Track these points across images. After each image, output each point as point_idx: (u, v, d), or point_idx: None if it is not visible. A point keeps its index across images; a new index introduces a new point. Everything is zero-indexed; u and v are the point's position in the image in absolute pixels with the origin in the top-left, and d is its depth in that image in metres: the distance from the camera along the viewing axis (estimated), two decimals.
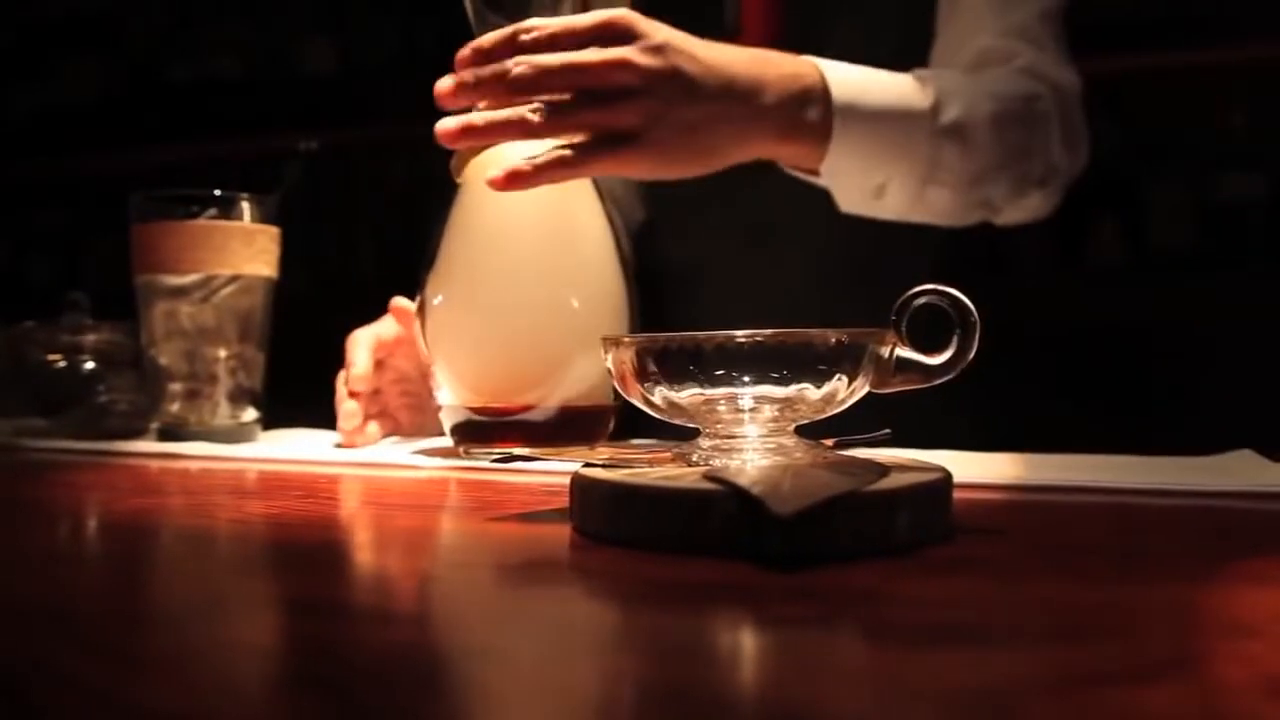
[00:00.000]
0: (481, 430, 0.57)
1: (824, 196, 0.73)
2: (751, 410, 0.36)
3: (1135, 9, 1.46)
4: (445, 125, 0.54)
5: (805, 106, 0.61)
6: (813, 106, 0.61)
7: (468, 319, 0.57)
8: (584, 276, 0.58)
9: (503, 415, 0.57)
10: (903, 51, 0.82)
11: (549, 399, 0.56)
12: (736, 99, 0.58)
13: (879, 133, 0.63)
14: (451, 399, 0.58)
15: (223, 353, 0.69)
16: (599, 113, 0.55)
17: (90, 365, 0.74)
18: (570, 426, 0.57)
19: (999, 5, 0.78)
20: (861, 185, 0.67)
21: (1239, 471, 0.47)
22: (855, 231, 0.78)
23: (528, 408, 0.56)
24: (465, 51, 0.55)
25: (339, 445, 0.65)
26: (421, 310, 0.59)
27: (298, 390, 0.73)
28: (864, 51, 0.78)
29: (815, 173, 0.66)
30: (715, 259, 0.87)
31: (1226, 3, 1.46)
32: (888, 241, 0.76)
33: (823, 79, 0.62)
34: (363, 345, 0.66)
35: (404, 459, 0.58)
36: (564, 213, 0.59)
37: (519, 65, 0.53)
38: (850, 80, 0.63)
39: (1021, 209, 0.77)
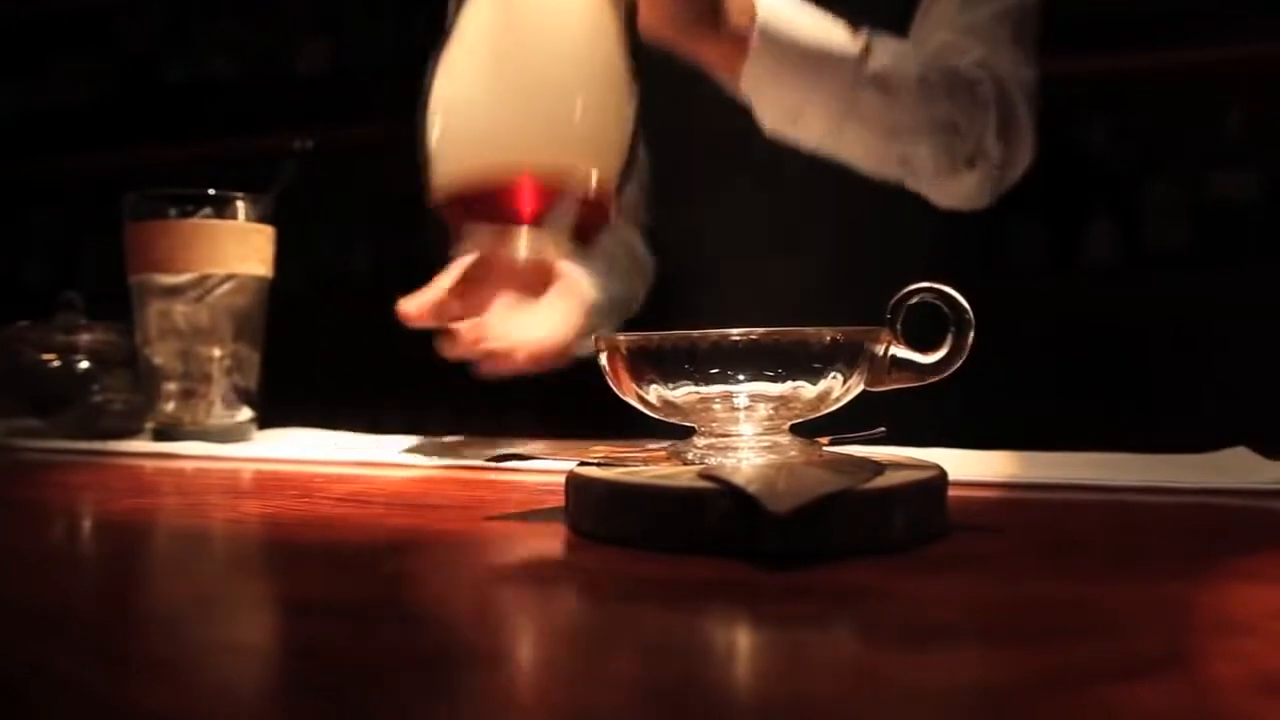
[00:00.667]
0: (475, 209, 0.57)
1: (827, 199, 0.73)
2: (746, 409, 0.36)
3: (1131, 8, 1.46)
4: None
5: (738, 19, 0.66)
6: (743, 21, 0.66)
7: (470, 79, 0.55)
8: (590, 55, 0.56)
9: (498, 189, 0.55)
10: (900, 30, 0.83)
11: (550, 163, 0.54)
12: None
13: (798, 58, 0.68)
14: (446, 175, 0.57)
15: (217, 352, 0.69)
16: None
17: (85, 365, 0.74)
18: (566, 208, 0.55)
19: (962, 3, 0.81)
20: (779, 105, 0.70)
21: (1234, 469, 0.47)
22: (855, 233, 0.78)
23: (523, 179, 0.56)
24: None
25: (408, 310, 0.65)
26: (426, 92, 0.57)
27: (293, 389, 0.73)
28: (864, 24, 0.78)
29: (738, 87, 0.69)
30: (716, 262, 0.87)
31: (1223, 2, 1.47)
32: (889, 243, 0.76)
33: (755, 2, 0.66)
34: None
35: (400, 459, 0.58)
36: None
37: None
38: (780, 9, 0.67)
39: (952, 191, 0.78)
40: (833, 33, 0.70)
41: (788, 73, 0.68)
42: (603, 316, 0.81)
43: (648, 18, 0.62)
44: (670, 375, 0.35)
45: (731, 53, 0.67)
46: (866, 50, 0.70)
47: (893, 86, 0.71)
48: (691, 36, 0.64)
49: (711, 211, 0.88)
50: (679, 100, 0.69)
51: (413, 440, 0.67)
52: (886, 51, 0.72)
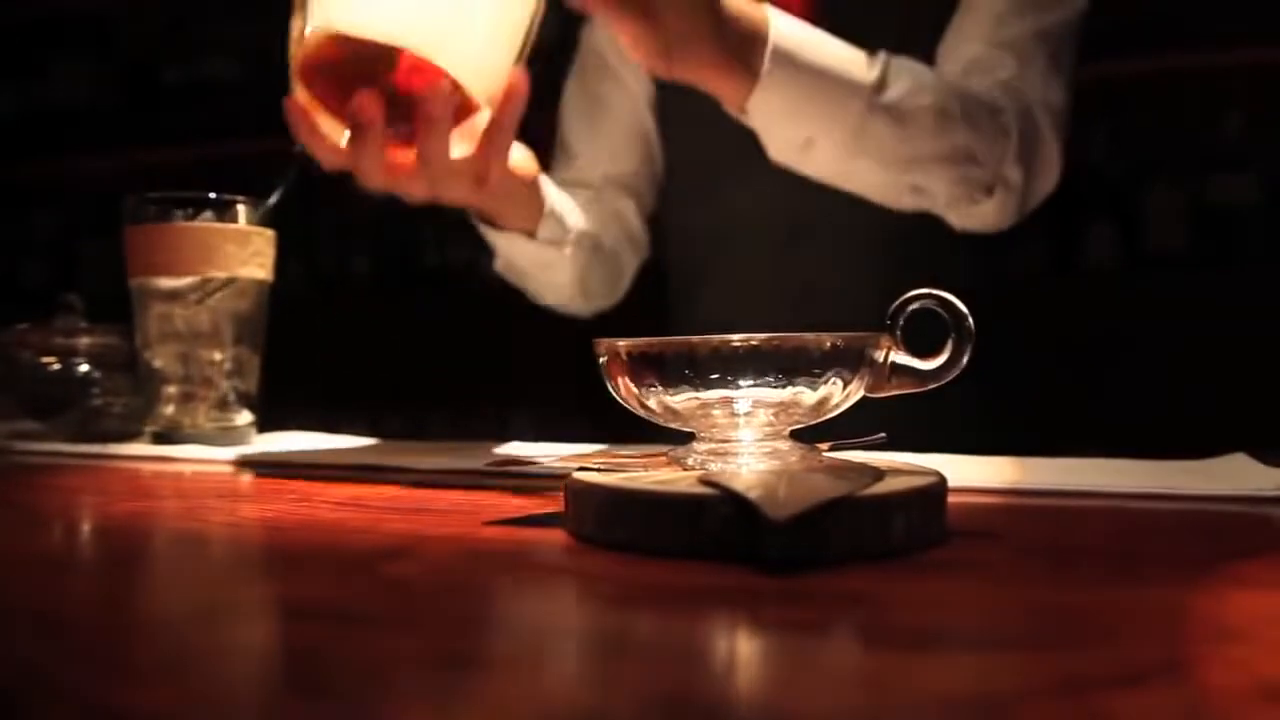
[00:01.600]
0: (338, 79, 0.58)
1: (841, 200, 0.73)
2: (747, 414, 0.36)
3: (1131, 13, 1.47)
4: None
5: (747, 44, 0.63)
6: (754, 47, 0.63)
7: None
8: None
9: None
10: (935, 36, 0.82)
11: (433, 46, 0.55)
12: (702, 8, 0.60)
13: (809, 88, 0.65)
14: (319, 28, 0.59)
15: (217, 355, 0.69)
16: None
17: (84, 368, 0.74)
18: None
19: (1000, 16, 0.79)
20: (788, 137, 0.68)
21: (1232, 475, 0.47)
22: (866, 233, 0.78)
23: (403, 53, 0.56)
24: None
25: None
26: None
27: (292, 393, 0.73)
28: (896, 32, 0.77)
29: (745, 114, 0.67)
30: (725, 262, 0.87)
31: (1221, 7, 1.47)
32: (908, 248, 0.76)
33: (769, 25, 0.64)
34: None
35: (400, 463, 0.58)
36: None
37: None
38: (795, 35, 0.65)
39: (973, 216, 0.77)
40: (847, 58, 0.67)
41: (799, 103, 0.65)
42: (560, 220, 0.78)
43: (634, 52, 0.60)
44: (670, 380, 0.35)
45: (738, 80, 0.64)
46: (883, 80, 0.67)
47: (907, 118, 0.68)
48: (687, 64, 0.61)
49: (725, 206, 0.88)
50: (695, 94, 0.67)
51: (399, 443, 0.67)
52: (903, 80, 0.68)
